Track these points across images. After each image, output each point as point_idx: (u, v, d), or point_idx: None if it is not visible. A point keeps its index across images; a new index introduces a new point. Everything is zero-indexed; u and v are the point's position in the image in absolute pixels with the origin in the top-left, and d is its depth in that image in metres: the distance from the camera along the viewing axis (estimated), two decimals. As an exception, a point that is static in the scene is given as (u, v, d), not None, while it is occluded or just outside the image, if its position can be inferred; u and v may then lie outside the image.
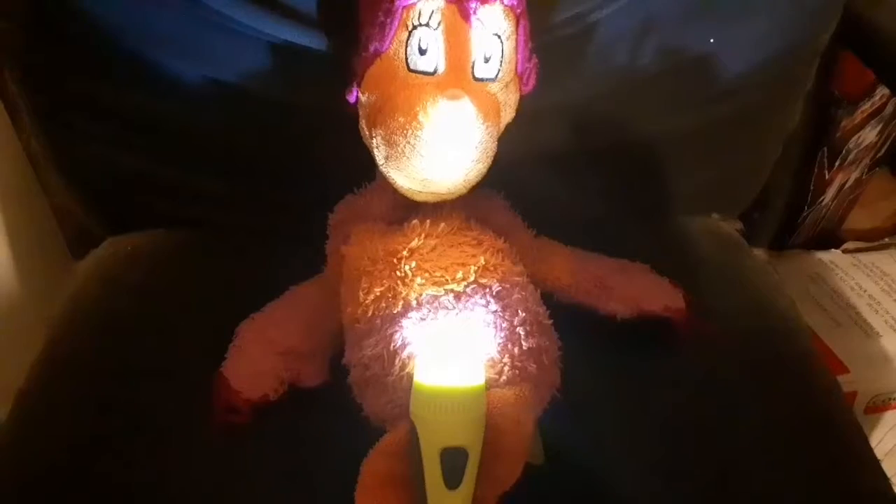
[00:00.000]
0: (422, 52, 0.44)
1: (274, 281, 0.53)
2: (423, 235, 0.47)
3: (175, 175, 0.61)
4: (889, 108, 0.85)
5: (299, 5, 0.51)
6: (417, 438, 0.40)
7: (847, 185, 0.94)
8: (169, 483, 0.47)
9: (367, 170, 0.51)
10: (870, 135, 0.88)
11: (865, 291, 0.85)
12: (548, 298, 0.50)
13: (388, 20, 0.43)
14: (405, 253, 0.46)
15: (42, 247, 0.80)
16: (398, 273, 0.46)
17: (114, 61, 0.53)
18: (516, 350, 0.45)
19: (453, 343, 0.43)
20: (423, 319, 0.44)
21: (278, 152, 0.59)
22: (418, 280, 0.45)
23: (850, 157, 0.88)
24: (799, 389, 0.55)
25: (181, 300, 0.57)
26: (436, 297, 0.45)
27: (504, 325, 0.45)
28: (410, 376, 0.42)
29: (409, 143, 0.44)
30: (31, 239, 0.77)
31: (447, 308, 0.44)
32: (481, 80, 0.46)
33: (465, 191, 0.48)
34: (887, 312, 0.83)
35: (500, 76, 0.46)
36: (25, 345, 0.57)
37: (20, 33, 0.54)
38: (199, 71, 0.54)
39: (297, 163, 0.59)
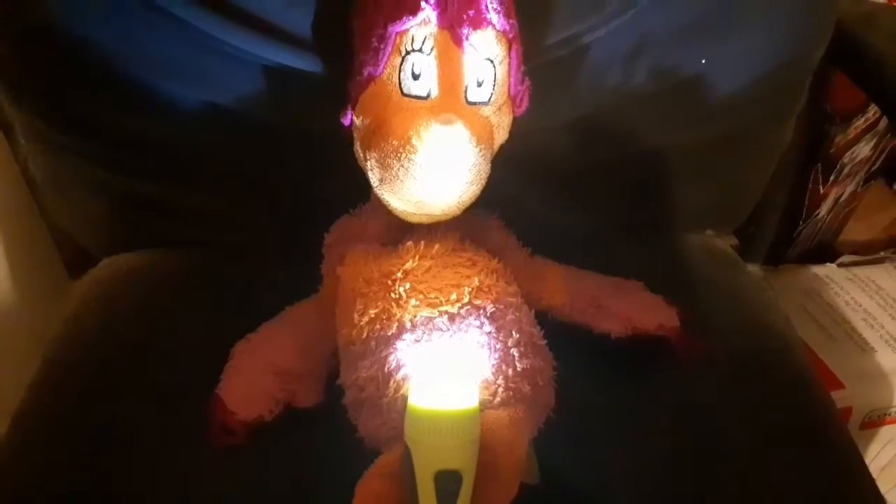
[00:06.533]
0: (415, 76, 0.44)
1: (270, 301, 0.54)
2: (417, 257, 0.47)
3: (171, 196, 0.61)
4: (882, 123, 0.86)
5: (294, 29, 0.52)
6: (411, 461, 0.39)
7: (842, 199, 0.94)
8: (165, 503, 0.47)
9: (361, 191, 0.51)
10: (864, 149, 0.88)
11: (860, 306, 0.85)
12: (542, 318, 0.51)
13: (382, 45, 0.44)
14: (400, 274, 0.46)
15: (39, 267, 0.81)
16: (393, 295, 0.46)
17: (109, 84, 0.53)
18: (510, 371, 0.45)
19: (447, 365, 0.43)
20: (417, 341, 0.44)
21: (273, 174, 0.59)
22: (413, 302, 0.45)
23: (845, 171, 0.89)
24: (794, 407, 0.55)
25: (177, 320, 0.57)
26: (430, 319, 0.45)
27: (498, 347, 0.45)
28: (405, 398, 0.42)
29: (402, 166, 0.44)
30: (28, 259, 0.77)
31: (441, 330, 0.45)
32: (474, 103, 0.46)
33: (458, 212, 0.48)
34: (882, 327, 0.83)
35: (492, 100, 0.47)
36: (23, 365, 0.57)
37: (16, 56, 0.54)
38: (195, 94, 0.54)
39: (292, 184, 0.60)
